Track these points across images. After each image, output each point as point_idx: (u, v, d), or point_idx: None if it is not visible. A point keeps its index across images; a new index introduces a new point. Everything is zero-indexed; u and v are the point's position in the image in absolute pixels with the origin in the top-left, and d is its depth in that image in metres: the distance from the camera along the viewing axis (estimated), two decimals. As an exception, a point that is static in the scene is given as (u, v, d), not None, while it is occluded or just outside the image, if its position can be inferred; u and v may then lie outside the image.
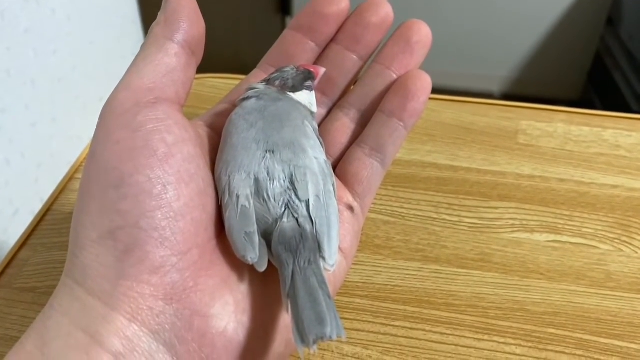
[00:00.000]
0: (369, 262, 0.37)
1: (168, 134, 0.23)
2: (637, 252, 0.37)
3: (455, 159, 0.43)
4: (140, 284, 0.21)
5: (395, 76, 0.29)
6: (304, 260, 0.22)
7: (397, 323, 0.33)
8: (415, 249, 0.37)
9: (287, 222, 0.23)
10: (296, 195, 0.24)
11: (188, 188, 0.23)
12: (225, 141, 0.26)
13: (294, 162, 0.25)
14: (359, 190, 0.28)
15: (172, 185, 0.22)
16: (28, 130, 0.82)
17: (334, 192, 0.26)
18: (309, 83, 0.28)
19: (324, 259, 0.23)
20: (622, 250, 0.37)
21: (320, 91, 0.30)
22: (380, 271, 0.36)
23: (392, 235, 0.38)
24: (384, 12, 0.29)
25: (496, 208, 0.40)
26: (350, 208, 0.28)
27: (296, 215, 0.23)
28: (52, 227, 0.40)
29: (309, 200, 0.24)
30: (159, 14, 0.25)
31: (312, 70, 0.29)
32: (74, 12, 0.88)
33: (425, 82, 0.28)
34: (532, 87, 1.61)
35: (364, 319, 0.33)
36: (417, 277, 0.36)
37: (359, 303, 0.34)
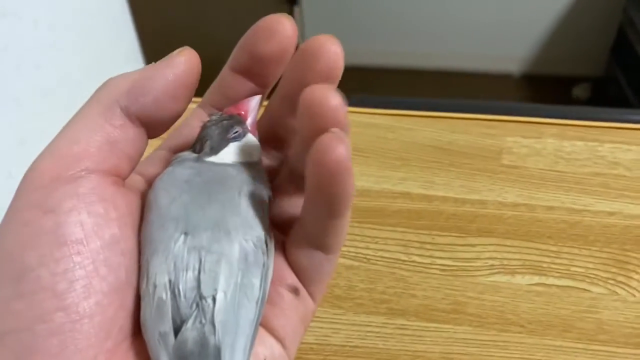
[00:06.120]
0: (327, 317, 0.33)
1: (87, 215, 0.19)
2: (635, 296, 0.32)
3: (430, 187, 0.38)
4: None
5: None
6: None
7: (352, 395, 0.29)
8: (379, 299, 0.33)
9: (190, 330, 0.19)
10: (200, 290, 0.20)
11: (103, 282, 0.19)
12: (145, 215, 0.22)
13: (207, 248, 0.20)
14: (301, 277, 0.23)
15: (81, 281, 0.19)
16: (15, 148, 0.80)
17: (263, 280, 0.21)
18: (236, 131, 0.24)
19: None
20: (616, 293, 0.32)
21: (266, 142, 0.25)
22: (339, 329, 0.32)
23: (354, 282, 0.34)
24: (322, 64, 0.22)
25: (473, 245, 0.35)
26: (295, 290, 0.23)
27: (204, 321, 0.19)
28: None
29: (215, 297, 0.20)
30: (138, 70, 0.21)
31: (236, 113, 0.24)
32: (58, 21, 0.85)
33: (335, 162, 0.19)
34: (553, 66, 1.54)
35: (315, 391, 0.30)
36: (380, 334, 0.32)
37: (310, 370, 0.30)
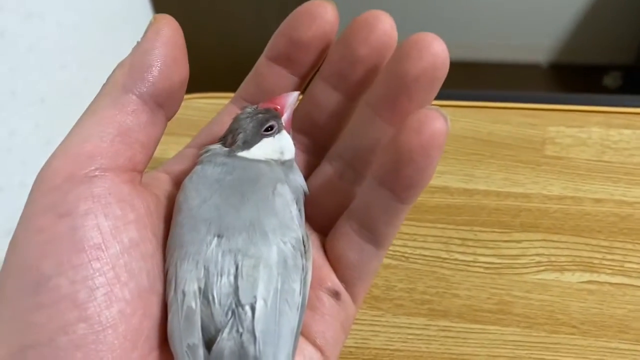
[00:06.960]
0: (365, 319, 0.31)
1: (105, 218, 0.18)
2: (694, 293, 0.30)
3: (470, 181, 0.37)
4: None
5: (387, 126, 0.21)
6: None
7: (395, 401, 0.28)
8: (420, 299, 0.32)
9: (227, 339, 0.18)
10: (238, 297, 0.18)
11: (125, 289, 0.18)
12: (174, 217, 0.20)
13: (244, 252, 0.19)
14: (346, 275, 0.22)
15: (102, 289, 0.18)
16: (41, 149, 0.80)
17: (303, 285, 0.20)
18: (271, 125, 0.22)
19: None
20: (675, 291, 0.30)
21: (302, 133, 0.24)
22: (378, 331, 0.31)
23: (393, 282, 0.32)
24: (376, 37, 0.21)
25: (518, 242, 0.33)
26: (335, 294, 0.22)
27: (241, 330, 0.18)
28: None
29: (254, 305, 0.18)
30: (129, 53, 0.20)
31: (272, 107, 0.23)
32: (82, 21, 0.85)
33: (431, 134, 0.19)
34: (582, 54, 1.50)
35: (356, 397, 0.28)
36: (422, 337, 0.30)
37: (350, 375, 0.29)
